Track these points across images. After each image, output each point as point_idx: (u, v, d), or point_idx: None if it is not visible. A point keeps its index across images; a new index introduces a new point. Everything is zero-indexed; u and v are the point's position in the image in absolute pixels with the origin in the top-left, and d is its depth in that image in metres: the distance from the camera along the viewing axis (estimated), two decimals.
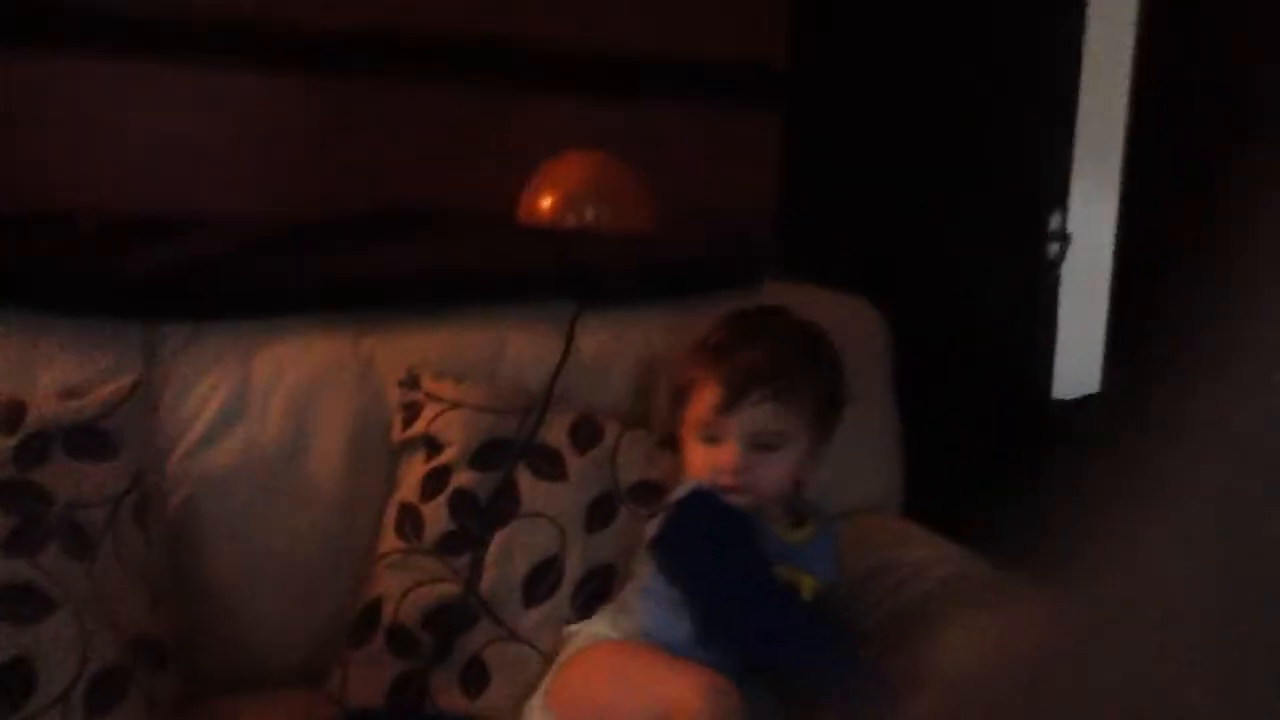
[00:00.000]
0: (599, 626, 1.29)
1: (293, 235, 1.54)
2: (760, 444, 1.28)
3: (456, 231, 1.64)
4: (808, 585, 1.30)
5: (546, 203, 1.73)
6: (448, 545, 1.39)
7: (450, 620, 1.36)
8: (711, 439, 1.28)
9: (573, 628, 1.32)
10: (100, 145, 1.76)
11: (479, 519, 1.40)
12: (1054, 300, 2.60)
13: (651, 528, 1.31)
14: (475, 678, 1.34)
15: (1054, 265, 2.55)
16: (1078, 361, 2.75)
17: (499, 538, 1.39)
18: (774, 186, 2.11)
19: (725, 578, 1.25)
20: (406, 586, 1.37)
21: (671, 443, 1.39)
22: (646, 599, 1.28)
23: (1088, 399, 2.77)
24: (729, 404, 1.27)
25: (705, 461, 1.28)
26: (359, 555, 1.43)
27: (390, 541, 1.41)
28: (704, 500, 1.27)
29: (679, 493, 1.31)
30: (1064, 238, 2.54)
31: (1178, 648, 0.57)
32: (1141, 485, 0.59)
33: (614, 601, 1.33)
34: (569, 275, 1.60)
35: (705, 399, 1.29)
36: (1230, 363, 0.56)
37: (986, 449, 2.43)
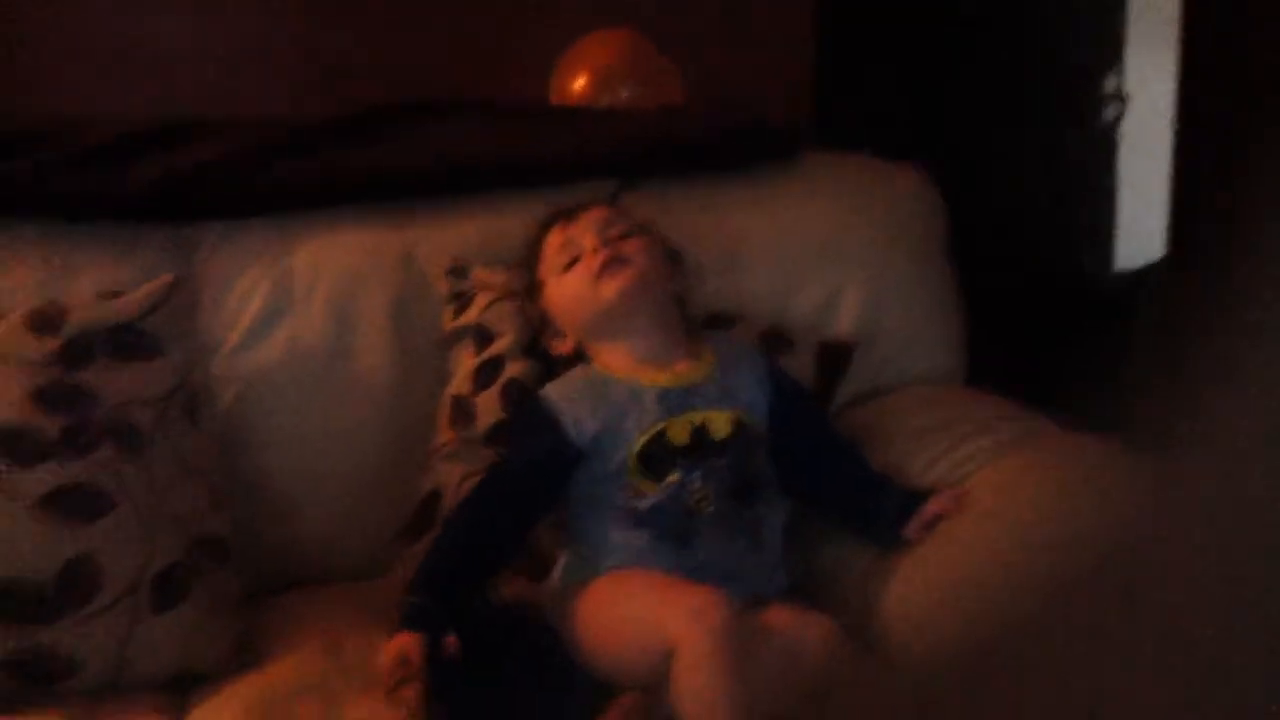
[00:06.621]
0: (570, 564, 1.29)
1: (319, 130, 1.51)
2: (614, 235, 1.31)
3: (490, 117, 1.60)
4: (721, 421, 1.26)
5: (578, 84, 1.69)
6: (501, 435, 1.37)
7: None
8: (570, 261, 1.31)
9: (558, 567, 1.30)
10: (99, 57, 1.73)
11: None
12: (1113, 165, 2.51)
13: None
14: (537, 563, 1.33)
15: (1111, 128, 2.46)
16: (1140, 229, 2.66)
17: None
18: (809, 60, 2.04)
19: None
20: (462, 476, 1.36)
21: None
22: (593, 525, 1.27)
23: (1151, 268, 2.68)
24: (570, 214, 1.34)
25: (576, 279, 1.30)
26: (413, 448, 1.41)
27: (444, 433, 1.40)
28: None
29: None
30: (1121, 98, 2.44)
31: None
32: (1210, 362, 0.56)
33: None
34: (606, 155, 1.57)
35: (552, 237, 1.34)
36: None
37: (1048, 323, 2.37)
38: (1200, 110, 2.41)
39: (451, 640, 1.13)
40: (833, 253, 1.60)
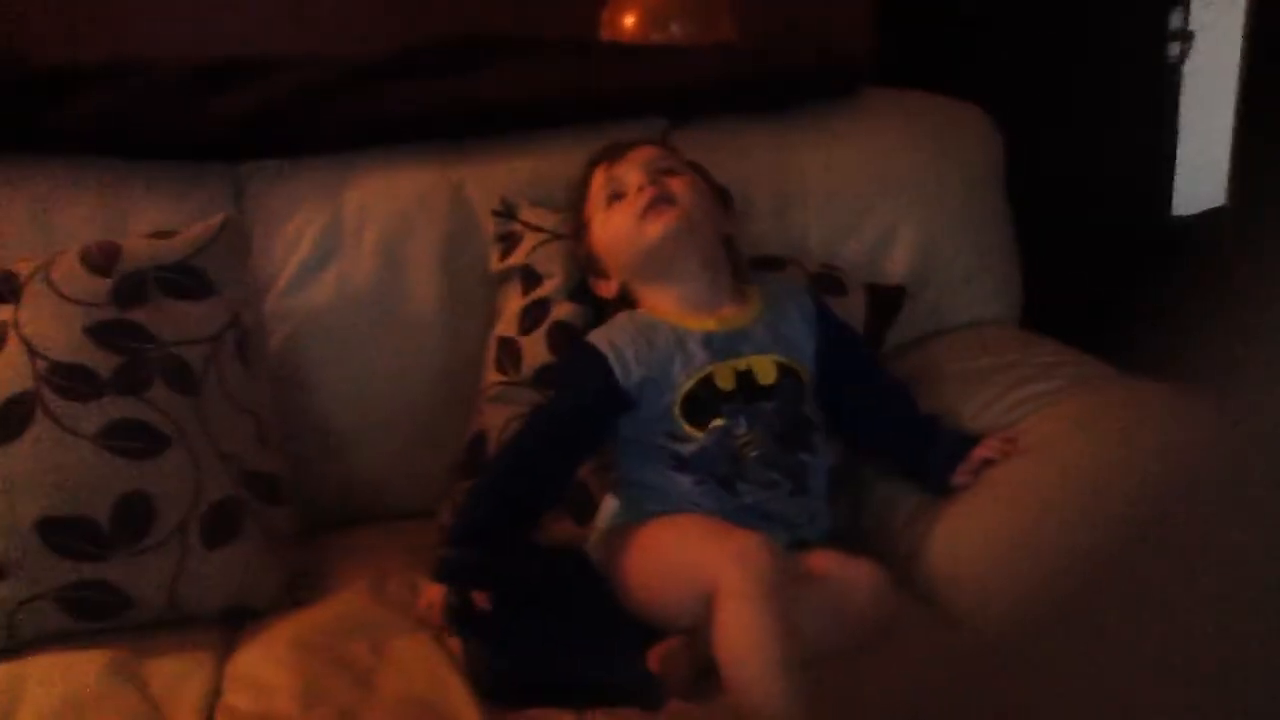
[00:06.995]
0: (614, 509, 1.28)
1: (372, 68, 1.50)
2: (660, 171, 1.30)
3: (540, 55, 1.57)
4: (767, 366, 1.25)
5: (629, 20, 1.66)
6: (546, 378, 1.37)
7: None
8: (616, 196, 1.31)
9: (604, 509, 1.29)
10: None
11: None
12: (1175, 106, 2.44)
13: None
14: (582, 504, 1.33)
15: (1175, 67, 2.38)
16: (1201, 173, 2.59)
17: None
18: None
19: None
20: (507, 419, 1.36)
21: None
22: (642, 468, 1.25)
23: (1212, 214, 2.62)
24: (616, 153, 1.33)
25: (621, 216, 1.29)
26: (462, 388, 1.42)
27: (491, 375, 1.40)
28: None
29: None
30: (1186, 36, 2.37)
31: None
32: (1268, 312, 0.54)
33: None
34: (657, 93, 1.54)
35: (598, 175, 1.34)
36: None
37: (1106, 266, 2.33)
38: (1269, 49, 2.33)
39: (479, 597, 1.15)
40: (887, 192, 1.57)
